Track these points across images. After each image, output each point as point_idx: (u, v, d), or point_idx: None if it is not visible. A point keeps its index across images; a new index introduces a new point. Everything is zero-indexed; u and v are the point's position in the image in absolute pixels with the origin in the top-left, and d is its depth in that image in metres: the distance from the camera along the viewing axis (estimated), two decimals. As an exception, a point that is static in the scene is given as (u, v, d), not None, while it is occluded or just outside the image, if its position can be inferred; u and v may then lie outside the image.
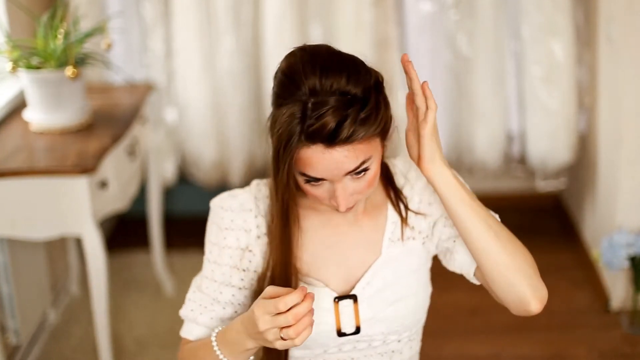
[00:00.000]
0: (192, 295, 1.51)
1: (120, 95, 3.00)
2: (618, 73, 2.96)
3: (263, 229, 1.48)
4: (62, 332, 3.04)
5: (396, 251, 1.50)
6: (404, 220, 1.50)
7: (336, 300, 1.46)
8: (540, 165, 3.50)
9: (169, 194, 3.78)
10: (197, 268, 1.56)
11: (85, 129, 2.59)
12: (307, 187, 1.36)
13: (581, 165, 3.52)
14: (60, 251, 3.22)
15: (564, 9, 3.26)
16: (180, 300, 1.55)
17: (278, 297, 1.26)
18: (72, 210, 2.38)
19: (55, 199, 2.37)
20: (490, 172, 3.61)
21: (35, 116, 2.57)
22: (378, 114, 1.30)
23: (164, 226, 3.40)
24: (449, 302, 3.13)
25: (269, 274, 1.46)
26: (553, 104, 3.37)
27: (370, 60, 1.36)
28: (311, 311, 1.27)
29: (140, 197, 3.39)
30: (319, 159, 1.29)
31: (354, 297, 1.46)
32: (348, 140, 1.27)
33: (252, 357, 1.41)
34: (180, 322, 1.58)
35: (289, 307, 1.25)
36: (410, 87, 1.36)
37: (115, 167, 2.56)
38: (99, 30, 2.65)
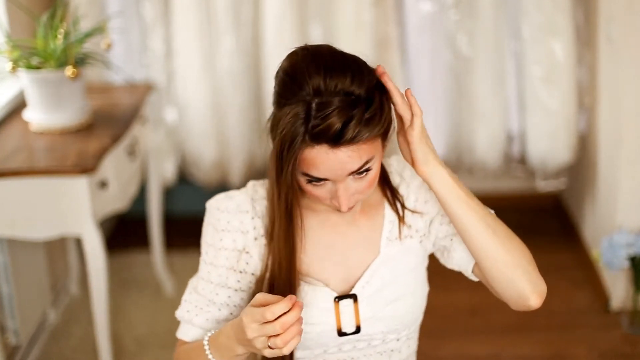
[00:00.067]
0: (188, 296, 1.51)
1: (120, 95, 3.00)
2: (618, 73, 2.96)
3: (260, 230, 1.48)
4: (62, 332, 3.04)
5: (394, 250, 1.50)
6: (401, 219, 1.51)
7: (336, 300, 1.46)
8: (540, 165, 3.50)
9: (169, 194, 3.78)
10: (197, 268, 1.56)
11: (85, 129, 2.59)
12: (309, 188, 1.36)
13: (581, 165, 3.52)
14: (60, 251, 3.22)
15: (564, 9, 3.26)
16: (180, 300, 1.55)
17: (267, 305, 1.26)
18: (72, 210, 2.38)
19: (55, 199, 2.37)
20: (490, 172, 3.61)
21: (35, 116, 2.57)
22: (382, 115, 1.31)
23: (164, 226, 3.40)
24: (449, 302, 3.13)
25: (267, 275, 1.46)
26: (553, 104, 3.37)
27: (370, 60, 1.36)
28: (299, 320, 1.26)
29: (140, 197, 3.39)
30: (324, 160, 1.29)
31: (354, 297, 1.46)
32: (353, 140, 1.27)
33: None
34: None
35: (276, 316, 1.24)
36: (390, 99, 1.36)
37: (115, 167, 2.56)
38: (99, 30, 2.65)
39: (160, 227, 3.25)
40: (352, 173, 1.32)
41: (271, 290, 1.45)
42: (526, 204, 3.88)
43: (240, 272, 1.48)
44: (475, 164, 3.57)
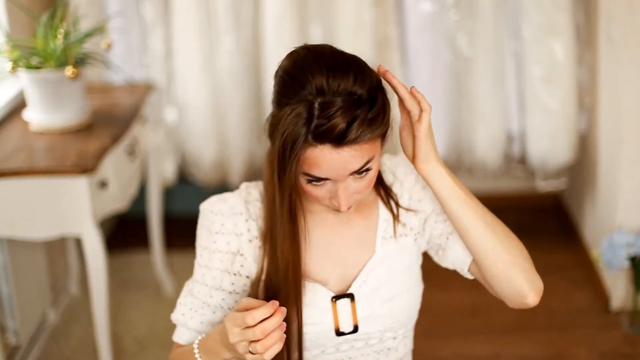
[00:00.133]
0: (183, 299, 1.51)
1: (120, 95, 3.00)
2: (618, 73, 2.96)
3: (254, 232, 1.47)
4: (62, 332, 3.04)
5: (389, 249, 1.51)
6: (395, 218, 1.51)
7: (333, 299, 1.46)
8: (540, 165, 3.50)
9: (168, 194, 3.78)
10: (197, 268, 1.56)
11: (85, 129, 2.59)
12: (309, 188, 1.36)
13: (581, 165, 3.52)
14: (60, 251, 3.22)
15: (564, 8, 3.26)
16: (179, 301, 1.55)
17: (251, 309, 1.25)
18: (72, 210, 2.38)
19: (55, 199, 2.37)
20: (490, 172, 3.61)
21: (35, 116, 2.57)
22: (384, 115, 1.31)
23: (164, 226, 3.40)
24: (449, 302, 3.13)
25: (263, 277, 1.46)
26: (553, 104, 3.37)
27: (370, 60, 1.36)
28: (281, 326, 1.25)
29: (140, 197, 3.39)
30: (327, 159, 1.29)
31: (351, 296, 1.46)
32: (356, 140, 1.27)
33: None
34: (179, 322, 1.58)
35: (257, 321, 1.23)
36: (397, 94, 1.37)
37: (115, 167, 2.56)
38: (98, 30, 2.65)
39: (160, 227, 3.25)
40: (353, 173, 1.32)
41: (267, 292, 1.45)
42: (526, 204, 3.88)
43: (235, 274, 1.47)
44: (475, 164, 3.57)
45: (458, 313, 3.11)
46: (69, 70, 2.48)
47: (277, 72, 1.35)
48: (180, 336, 1.50)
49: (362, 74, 1.30)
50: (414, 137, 1.38)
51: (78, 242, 3.20)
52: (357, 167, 1.31)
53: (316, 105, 1.26)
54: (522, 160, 3.60)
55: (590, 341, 2.92)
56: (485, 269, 1.43)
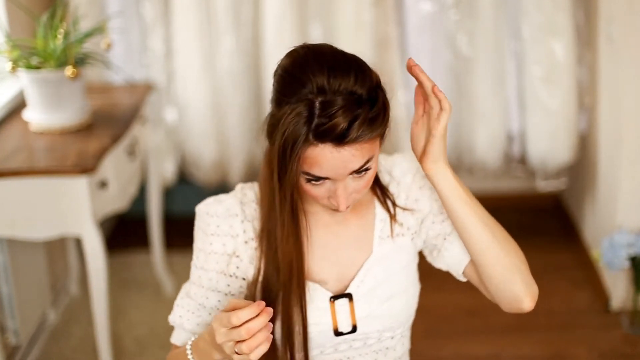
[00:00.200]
0: (180, 301, 1.51)
1: (120, 95, 3.00)
2: (618, 73, 2.96)
3: (250, 234, 1.47)
4: (62, 332, 3.04)
5: (387, 248, 1.51)
6: (392, 217, 1.51)
7: (332, 299, 1.46)
8: (540, 165, 3.50)
9: (168, 194, 3.78)
10: (197, 268, 1.56)
11: (85, 129, 2.59)
12: (308, 187, 1.36)
13: (581, 165, 3.52)
14: (60, 251, 3.22)
15: (564, 8, 3.26)
16: (178, 302, 1.55)
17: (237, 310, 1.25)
18: (72, 210, 2.38)
19: (55, 199, 2.37)
20: (491, 172, 3.61)
21: (35, 116, 2.57)
22: (385, 115, 1.31)
23: (164, 226, 3.40)
24: (449, 303, 3.13)
25: (260, 279, 1.46)
26: (553, 104, 3.37)
27: (370, 60, 1.36)
28: (267, 326, 1.24)
29: (140, 197, 3.39)
30: (327, 159, 1.29)
31: (350, 296, 1.46)
32: (357, 139, 1.27)
33: None
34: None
35: (242, 322, 1.23)
36: (423, 89, 1.36)
37: (115, 167, 2.56)
38: (98, 30, 2.65)
39: (160, 227, 3.25)
40: (353, 172, 1.32)
41: (265, 294, 1.44)
42: (526, 204, 3.88)
43: (230, 276, 1.47)
44: (475, 164, 3.57)
45: (458, 313, 3.11)
46: (68, 70, 2.48)
47: (276, 70, 1.35)
48: (177, 338, 1.50)
49: (363, 74, 1.30)
50: (428, 134, 1.38)
51: (78, 242, 3.20)
52: (357, 166, 1.31)
53: (317, 104, 1.26)
54: (522, 160, 3.60)
55: (590, 341, 2.92)
56: (483, 271, 1.43)
